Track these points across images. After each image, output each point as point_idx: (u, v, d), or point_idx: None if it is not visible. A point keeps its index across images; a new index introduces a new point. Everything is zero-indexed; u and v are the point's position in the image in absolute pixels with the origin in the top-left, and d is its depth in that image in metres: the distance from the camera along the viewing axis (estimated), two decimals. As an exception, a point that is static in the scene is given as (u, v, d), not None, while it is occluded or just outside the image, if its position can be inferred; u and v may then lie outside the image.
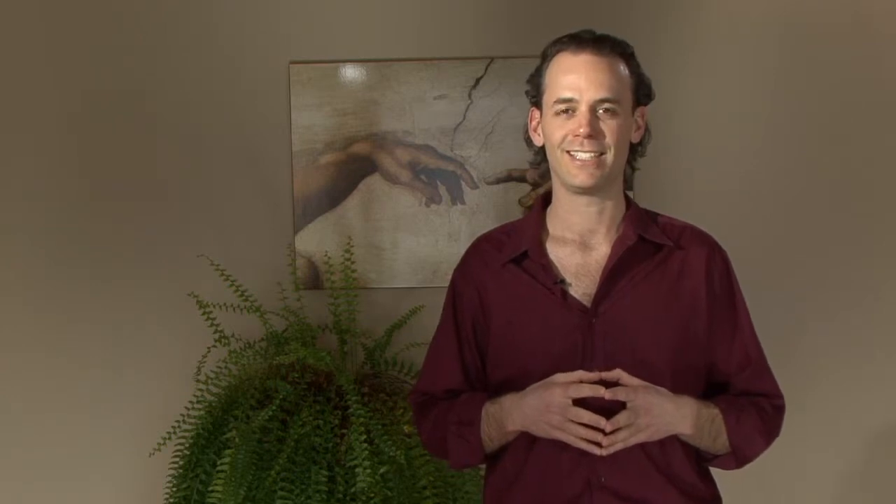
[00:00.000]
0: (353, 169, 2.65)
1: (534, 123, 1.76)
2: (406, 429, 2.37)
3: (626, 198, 1.78)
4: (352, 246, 2.63)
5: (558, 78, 1.67)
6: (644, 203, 2.60)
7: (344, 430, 2.35)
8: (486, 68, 2.61)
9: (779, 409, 1.78)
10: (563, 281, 1.71)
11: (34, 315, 2.69)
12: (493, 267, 1.78)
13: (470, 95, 2.63)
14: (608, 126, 1.65)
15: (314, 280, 2.67)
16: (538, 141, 1.75)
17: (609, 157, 1.66)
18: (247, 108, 2.64)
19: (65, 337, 2.69)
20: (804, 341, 2.64)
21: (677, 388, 1.69)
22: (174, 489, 2.42)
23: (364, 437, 2.27)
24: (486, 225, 2.60)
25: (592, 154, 1.64)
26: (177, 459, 2.43)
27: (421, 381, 1.89)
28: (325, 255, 2.66)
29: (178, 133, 2.65)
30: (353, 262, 2.60)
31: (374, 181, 2.65)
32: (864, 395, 2.66)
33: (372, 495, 2.26)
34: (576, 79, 1.65)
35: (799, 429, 2.65)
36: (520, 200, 2.65)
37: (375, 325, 2.63)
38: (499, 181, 2.65)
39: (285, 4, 2.63)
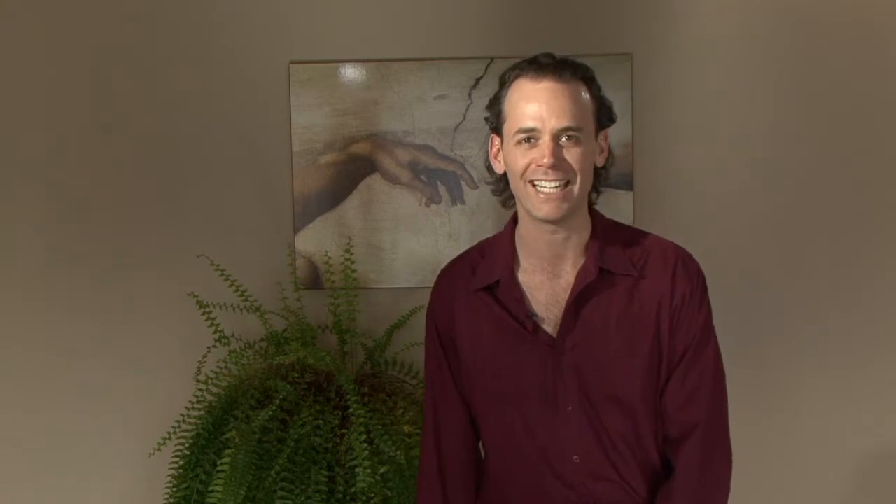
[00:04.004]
0: (353, 169, 2.65)
1: (494, 150, 1.70)
2: (406, 429, 2.37)
3: (592, 215, 1.72)
4: (352, 246, 2.63)
5: (519, 106, 1.61)
6: (644, 203, 2.62)
7: (344, 430, 2.35)
8: (486, 68, 2.61)
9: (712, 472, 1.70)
10: (534, 315, 1.69)
11: (34, 315, 2.69)
12: (463, 294, 1.76)
13: (470, 95, 2.62)
14: (572, 154, 1.60)
15: (314, 280, 2.67)
16: (499, 168, 1.71)
17: (575, 187, 1.61)
18: (247, 108, 2.64)
19: (65, 337, 2.69)
20: (804, 342, 2.64)
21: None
22: (174, 489, 2.42)
23: (364, 437, 2.27)
24: (486, 225, 2.61)
25: (558, 184, 1.60)
26: (177, 459, 2.43)
27: (429, 439, 1.82)
28: (325, 255, 2.66)
29: (179, 133, 2.65)
30: (353, 262, 2.60)
31: (374, 181, 2.65)
32: (864, 396, 2.65)
33: (372, 495, 2.26)
34: (537, 107, 1.59)
35: (797, 430, 2.66)
36: (520, 200, 2.64)
37: (375, 325, 2.63)
38: (499, 181, 2.65)
39: (285, 4, 2.63)
